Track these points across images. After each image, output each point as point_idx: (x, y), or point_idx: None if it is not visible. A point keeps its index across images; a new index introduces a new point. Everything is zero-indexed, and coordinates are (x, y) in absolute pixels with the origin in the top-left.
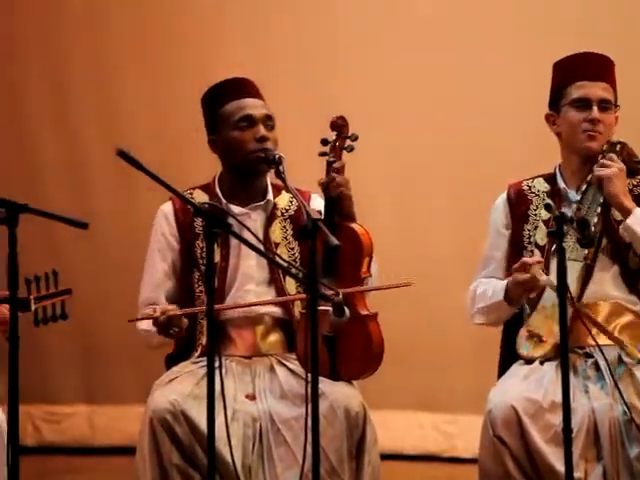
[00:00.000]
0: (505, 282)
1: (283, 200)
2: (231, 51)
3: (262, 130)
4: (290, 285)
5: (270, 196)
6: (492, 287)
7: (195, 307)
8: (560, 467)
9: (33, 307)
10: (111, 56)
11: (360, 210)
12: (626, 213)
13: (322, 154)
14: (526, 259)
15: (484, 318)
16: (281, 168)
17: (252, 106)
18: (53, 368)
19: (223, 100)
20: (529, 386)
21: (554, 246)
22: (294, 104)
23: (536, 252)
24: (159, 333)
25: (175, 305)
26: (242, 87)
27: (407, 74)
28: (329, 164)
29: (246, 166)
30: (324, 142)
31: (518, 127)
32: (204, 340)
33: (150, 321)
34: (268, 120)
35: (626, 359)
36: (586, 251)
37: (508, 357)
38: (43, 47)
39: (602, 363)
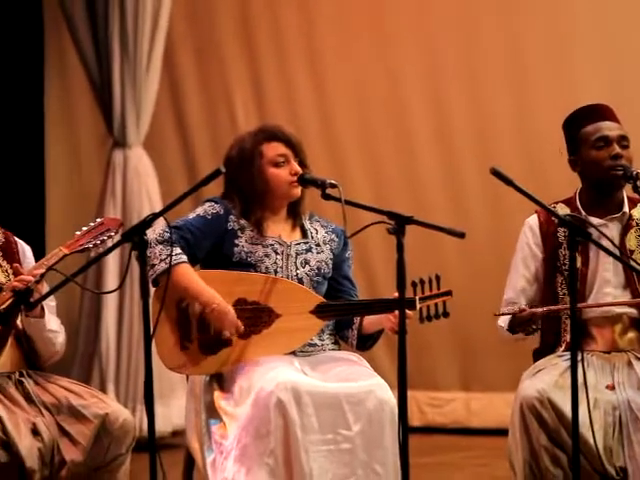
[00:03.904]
0: None
1: (638, 212)
2: (589, 76)
3: (617, 149)
4: None
5: (626, 208)
6: None
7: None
8: None
9: (418, 306)
10: (482, 72)
11: None
12: None
13: None
14: None
15: None
16: (638, 183)
17: (608, 128)
18: (435, 360)
19: (582, 123)
20: None
21: None
22: None
23: None
24: (516, 327)
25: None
26: (599, 112)
27: None
28: None
29: (604, 181)
30: None
31: None
32: (568, 337)
33: (506, 319)
34: (623, 140)
35: None
36: None
37: None
38: (421, 61)
39: None
